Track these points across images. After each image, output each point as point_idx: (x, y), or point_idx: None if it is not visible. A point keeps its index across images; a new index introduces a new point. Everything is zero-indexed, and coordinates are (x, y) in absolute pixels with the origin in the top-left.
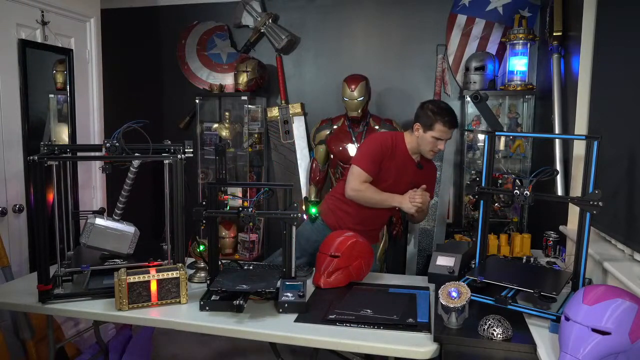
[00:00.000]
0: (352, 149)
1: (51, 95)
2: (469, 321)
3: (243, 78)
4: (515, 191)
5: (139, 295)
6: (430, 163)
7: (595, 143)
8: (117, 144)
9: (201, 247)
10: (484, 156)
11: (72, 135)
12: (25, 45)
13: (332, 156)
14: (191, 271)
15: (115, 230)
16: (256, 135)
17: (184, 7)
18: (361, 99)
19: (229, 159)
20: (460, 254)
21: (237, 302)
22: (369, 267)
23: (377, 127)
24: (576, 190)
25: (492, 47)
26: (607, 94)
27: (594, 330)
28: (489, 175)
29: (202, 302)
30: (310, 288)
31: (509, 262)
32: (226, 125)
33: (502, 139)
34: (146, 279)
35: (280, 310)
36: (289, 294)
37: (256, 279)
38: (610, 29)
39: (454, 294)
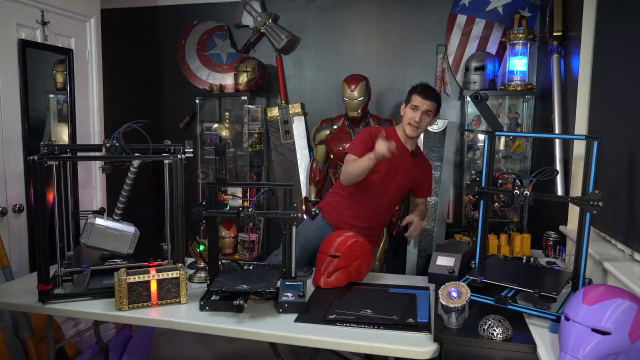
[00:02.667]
0: None
1: (51, 95)
2: (469, 321)
3: (243, 78)
4: (515, 191)
5: (139, 295)
6: (424, 158)
7: (595, 143)
8: (117, 144)
9: (201, 247)
10: (484, 156)
11: (72, 135)
12: (25, 45)
13: (332, 156)
14: (191, 271)
15: (115, 230)
16: (256, 135)
17: (184, 7)
18: (361, 99)
19: (229, 159)
20: (460, 254)
21: (237, 302)
22: (369, 267)
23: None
24: (576, 190)
25: (492, 47)
26: (607, 94)
27: (594, 330)
28: (489, 175)
29: (202, 302)
30: (310, 288)
31: (509, 262)
32: (226, 125)
33: (502, 139)
34: (146, 279)
35: (280, 310)
36: (289, 294)
37: (256, 279)
38: (610, 29)
39: (454, 294)
